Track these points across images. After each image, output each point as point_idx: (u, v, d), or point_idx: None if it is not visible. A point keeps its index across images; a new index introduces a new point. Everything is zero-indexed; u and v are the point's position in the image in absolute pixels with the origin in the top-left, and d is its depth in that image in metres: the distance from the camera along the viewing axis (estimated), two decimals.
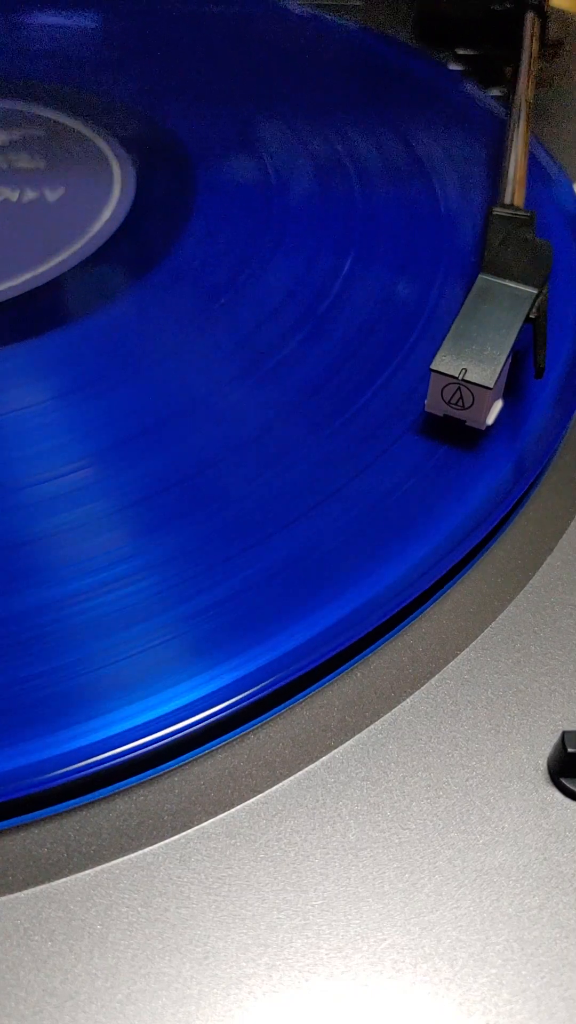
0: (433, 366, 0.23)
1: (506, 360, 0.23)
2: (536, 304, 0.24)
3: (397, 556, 0.22)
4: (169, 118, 0.37)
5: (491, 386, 0.23)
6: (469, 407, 0.24)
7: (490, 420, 0.24)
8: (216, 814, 0.18)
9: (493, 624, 0.21)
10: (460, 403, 0.24)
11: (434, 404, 0.24)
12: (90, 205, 0.33)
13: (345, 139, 0.36)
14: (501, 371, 0.23)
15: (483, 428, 0.24)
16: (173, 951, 0.17)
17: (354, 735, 0.19)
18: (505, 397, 0.25)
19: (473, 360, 0.23)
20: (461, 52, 0.42)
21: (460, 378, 0.23)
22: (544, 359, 0.24)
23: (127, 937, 0.17)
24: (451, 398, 0.24)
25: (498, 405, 0.24)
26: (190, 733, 0.19)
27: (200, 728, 0.19)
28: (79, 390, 0.26)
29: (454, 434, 0.24)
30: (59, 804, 0.18)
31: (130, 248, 0.31)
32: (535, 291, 0.24)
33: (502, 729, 0.20)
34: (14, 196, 0.33)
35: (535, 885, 0.17)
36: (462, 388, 0.23)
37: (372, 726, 0.20)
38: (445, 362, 0.23)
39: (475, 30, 0.41)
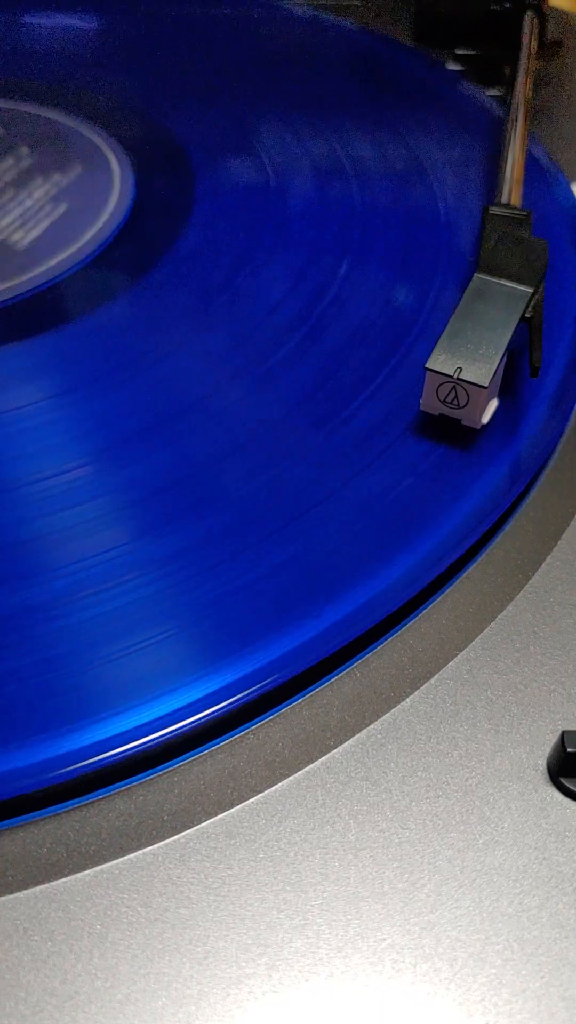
0: (428, 365, 0.23)
1: (501, 359, 0.23)
2: (532, 303, 0.24)
3: (396, 556, 0.22)
4: (169, 118, 0.37)
5: (486, 385, 0.23)
6: (464, 406, 0.24)
7: (485, 419, 0.24)
8: (216, 814, 0.18)
9: (493, 624, 0.21)
10: (455, 402, 0.24)
11: (429, 403, 0.24)
12: (90, 205, 0.33)
13: (344, 139, 0.36)
14: (496, 370, 0.23)
15: (478, 427, 0.24)
16: (173, 951, 0.17)
17: (354, 735, 0.19)
18: (501, 396, 0.25)
19: (468, 359, 0.23)
20: (460, 52, 0.42)
21: (455, 377, 0.23)
22: (540, 358, 0.24)
23: (127, 937, 0.17)
24: (446, 397, 0.24)
25: (493, 404, 0.24)
26: (190, 733, 0.19)
27: (200, 728, 0.19)
28: (79, 389, 0.26)
29: (450, 434, 0.24)
30: (59, 804, 0.18)
31: (129, 248, 0.31)
32: (530, 290, 0.24)
33: (502, 729, 0.20)
34: (14, 196, 0.33)
35: (535, 885, 0.17)
36: (457, 387, 0.23)
37: (372, 726, 0.20)
38: (440, 361, 0.23)
39: (474, 30, 0.41)
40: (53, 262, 0.30)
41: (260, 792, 0.19)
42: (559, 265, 0.29)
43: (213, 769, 0.19)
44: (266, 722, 0.20)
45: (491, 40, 0.41)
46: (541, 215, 0.30)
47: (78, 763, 0.18)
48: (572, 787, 0.18)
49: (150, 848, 0.18)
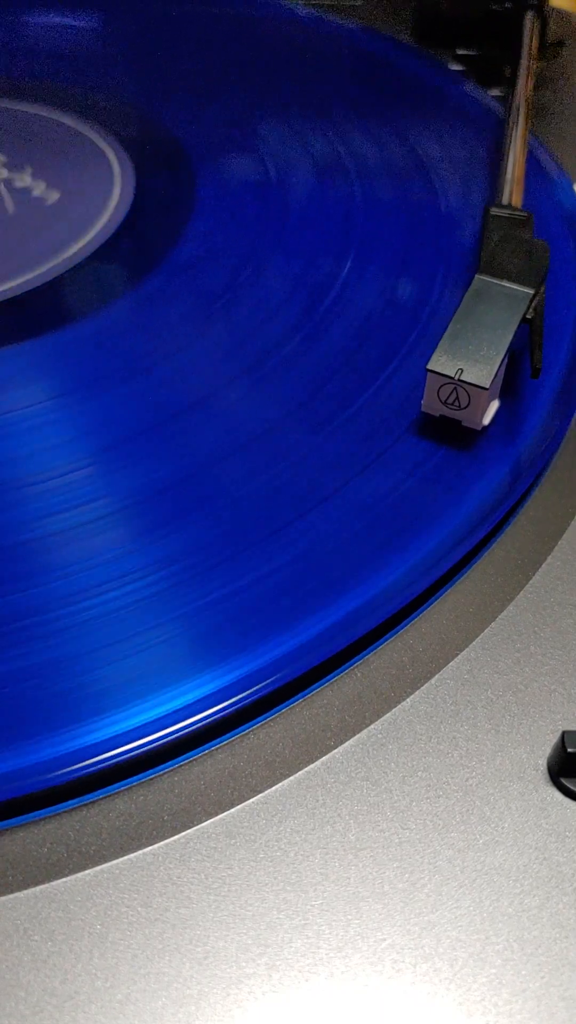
0: (429, 366, 0.23)
1: (502, 360, 0.23)
2: (533, 304, 0.24)
3: (396, 556, 0.22)
4: (169, 118, 0.37)
5: (487, 386, 0.23)
6: (465, 407, 0.24)
7: (486, 420, 0.24)
8: (216, 814, 0.18)
9: (493, 624, 0.21)
10: (456, 403, 0.24)
11: (430, 404, 0.24)
12: (90, 205, 0.33)
13: (345, 139, 0.36)
14: (497, 371, 0.23)
15: (479, 428, 0.24)
16: (173, 951, 0.17)
17: (354, 735, 0.19)
18: (502, 398, 0.25)
19: (469, 360, 0.23)
20: (461, 52, 0.42)
21: (456, 378, 0.23)
22: (540, 359, 0.24)
23: (127, 937, 0.17)
24: (447, 398, 0.24)
25: (494, 405, 0.24)
26: (190, 733, 0.19)
27: (200, 728, 0.19)
28: (79, 390, 0.26)
29: (451, 435, 0.24)
30: (59, 804, 0.18)
31: (130, 248, 0.31)
32: (531, 291, 0.24)
33: (502, 729, 0.20)
34: (14, 196, 0.33)
35: (535, 885, 0.17)
36: (458, 388, 0.23)
37: (372, 726, 0.20)
38: (441, 362, 0.23)
39: (474, 30, 0.41)
40: (53, 262, 0.30)
41: (260, 792, 0.19)
42: (559, 266, 0.29)
43: (213, 769, 0.19)
44: (266, 722, 0.20)
45: (492, 40, 0.41)
46: (543, 216, 0.30)
47: (78, 763, 0.18)
48: (572, 787, 0.18)
49: (150, 848, 0.18)
